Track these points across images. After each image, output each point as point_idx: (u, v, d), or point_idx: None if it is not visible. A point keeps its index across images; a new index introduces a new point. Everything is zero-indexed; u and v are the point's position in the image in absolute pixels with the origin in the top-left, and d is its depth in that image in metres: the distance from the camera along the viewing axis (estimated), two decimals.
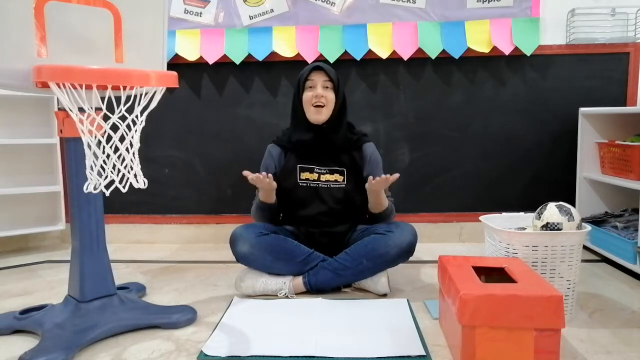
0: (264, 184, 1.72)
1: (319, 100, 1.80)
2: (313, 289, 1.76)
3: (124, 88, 1.27)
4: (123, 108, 1.27)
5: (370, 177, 1.73)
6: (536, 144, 2.48)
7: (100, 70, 1.24)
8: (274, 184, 1.76)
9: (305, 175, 1.87)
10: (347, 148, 1.88)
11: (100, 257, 1.51)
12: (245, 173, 1.70)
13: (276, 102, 2.52)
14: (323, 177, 1.86)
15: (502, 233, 1.53)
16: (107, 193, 1.29)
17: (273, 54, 2.44)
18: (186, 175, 2.60)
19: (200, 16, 2.45)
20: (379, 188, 1.75)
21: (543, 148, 2.48)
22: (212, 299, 1.77)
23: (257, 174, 1.70)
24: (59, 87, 1.21)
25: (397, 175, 1.70)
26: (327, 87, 1.82)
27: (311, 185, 1.87)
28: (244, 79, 2.52)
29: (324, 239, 1.86)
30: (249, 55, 2.45)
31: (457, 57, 2.40)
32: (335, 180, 1.86)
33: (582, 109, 2.33)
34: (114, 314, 1.48)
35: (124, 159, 1.30)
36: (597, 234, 2.15)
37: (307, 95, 1.82)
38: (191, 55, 2.45)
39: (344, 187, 1.86)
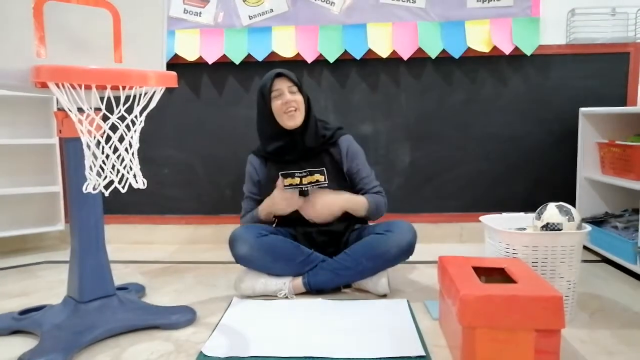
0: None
1: (290, 106, 1.80)
2: (313, 290, 1.75)
3: (123, 88, 1.26)
4: (122, 108, 1.27)
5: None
6: (536, 144, 2.48)
7: (100, 70, 1.24)
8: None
9: (288, 181, 1.88)
10: (323, 146, 1.89)
11: (99, 258, 1.51)
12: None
13: None
14: (305, 180, 1.87)
15: (502, 233, 1.53)
16: (107, 193, 1.29)
17: (273, 54, 2.43)
18: (185, 175, 2.59)
19: (200, 16, 2.45)
20: (320, 215, 1.81)
21: (543, 148, 2.48)
22: (212, 299, 1.77)
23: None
24: (58, 87, 1.20)
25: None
26: (293, 92, 1.82)
27: (296, 190, 1.87)
28: (243, 79, 2.52)
29: (322, 238, 1.86)
30: (249, 55, 2.44)
31: (457, 56, 2.40)
32: (317, 181, 1.87)
33: (582, 109, 2.33)
34: (113, 315, 1.47)
35: (123, 159, 1.30)
36: (597, 234, 2.14)
37: (276, 104, 1.81)
38: (191, 55, 2.45)
39: (327, 186, 1.87)
